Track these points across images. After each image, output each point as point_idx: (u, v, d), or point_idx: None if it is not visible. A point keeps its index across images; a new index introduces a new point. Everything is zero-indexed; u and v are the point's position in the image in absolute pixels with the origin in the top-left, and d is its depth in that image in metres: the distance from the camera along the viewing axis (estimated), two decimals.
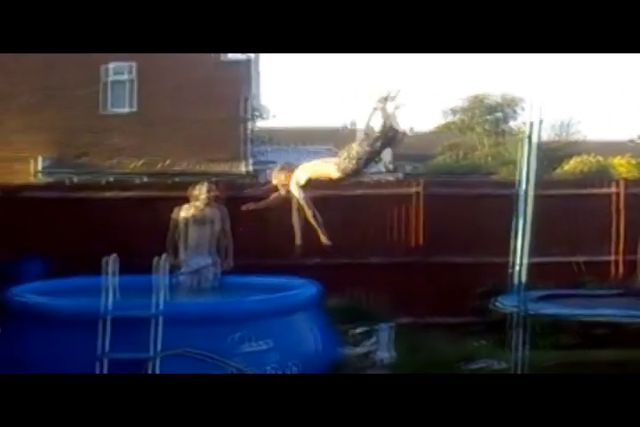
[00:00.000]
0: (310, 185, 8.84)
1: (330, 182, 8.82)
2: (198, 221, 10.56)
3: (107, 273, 8.98)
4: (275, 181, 9.31)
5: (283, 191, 9.14)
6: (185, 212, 10.62)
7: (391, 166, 12.25)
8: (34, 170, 24.28)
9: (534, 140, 8.85)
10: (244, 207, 9.57)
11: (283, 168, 9.40)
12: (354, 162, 8.29)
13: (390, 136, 8.14)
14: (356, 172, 8.53)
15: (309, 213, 8.81)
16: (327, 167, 8.65)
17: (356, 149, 8.28)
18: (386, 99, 8.07)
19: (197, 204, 10.66)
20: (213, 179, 11.71)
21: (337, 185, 11.67)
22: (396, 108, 8.11)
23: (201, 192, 10.66)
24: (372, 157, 8.34)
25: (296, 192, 8.84)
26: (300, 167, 8.95)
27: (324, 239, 9.01)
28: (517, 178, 9.51)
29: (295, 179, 8.86)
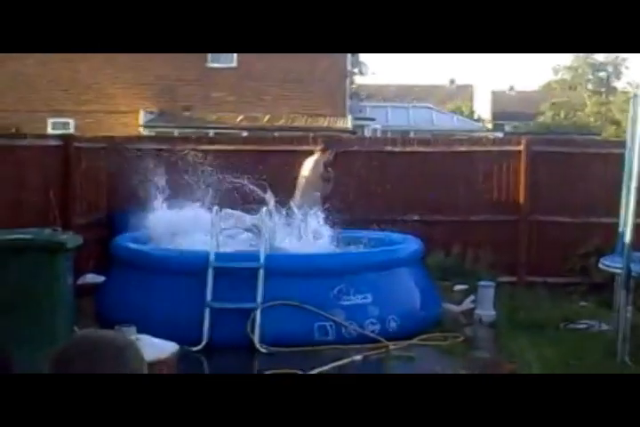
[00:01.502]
0: None
1: None
2: (313, 177, 10.74)
3: (212, 224, 9.14)
4: None
5: None
6: (306, 167, 10.84)
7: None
8: (140, 123, 24.60)
9: None
10: None
11: None
12: None
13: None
14: None
15: None
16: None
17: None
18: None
19: (316, 159, 10.88)
20: (312, 134, 11.78)
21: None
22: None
23: (315, 150, 10.94)
24: None
25: None
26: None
27: None
28: (625, 137, 9.33)
29: None
